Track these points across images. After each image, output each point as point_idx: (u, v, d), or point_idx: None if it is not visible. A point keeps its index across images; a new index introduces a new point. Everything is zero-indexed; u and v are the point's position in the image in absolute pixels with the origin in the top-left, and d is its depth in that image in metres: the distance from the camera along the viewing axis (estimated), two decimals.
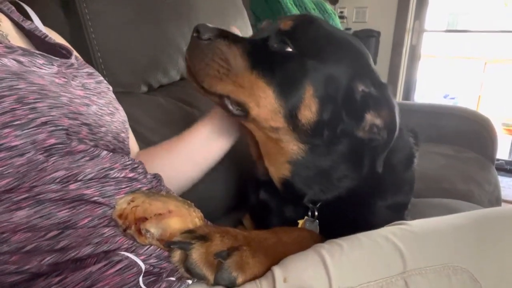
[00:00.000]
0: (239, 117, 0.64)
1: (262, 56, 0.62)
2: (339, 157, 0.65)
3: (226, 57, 0.60)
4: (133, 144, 0.80)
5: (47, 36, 0.67)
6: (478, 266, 0.46)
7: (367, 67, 0.65)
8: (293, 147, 0.64)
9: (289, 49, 0.61)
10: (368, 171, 0.65)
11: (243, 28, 1.45)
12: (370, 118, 0.62)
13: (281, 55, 0.62)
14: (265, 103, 0.60)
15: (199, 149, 0.76)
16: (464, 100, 4.17)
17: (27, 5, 0.71)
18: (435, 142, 1.58)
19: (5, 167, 0.44)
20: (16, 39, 0.62)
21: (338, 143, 0.64)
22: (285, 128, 0.62)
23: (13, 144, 0.44)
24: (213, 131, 0.75)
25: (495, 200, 1.34)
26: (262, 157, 0.69)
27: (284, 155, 0.65)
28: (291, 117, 0.61)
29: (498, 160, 2.40)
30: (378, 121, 0.62)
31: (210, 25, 0.61)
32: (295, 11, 1.97)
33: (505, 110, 3.94)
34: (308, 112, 0.61)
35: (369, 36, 3.04)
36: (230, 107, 0.62)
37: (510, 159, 3.27)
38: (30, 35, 0.66)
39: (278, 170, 0.67)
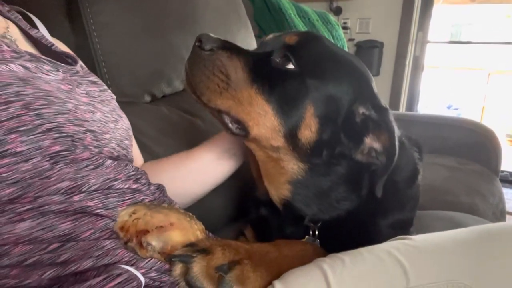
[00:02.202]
0: (240, 136, 0.63)
1: (264, 72, 0.61)
2: (339, 178, 0.64)
3: (226, 70, 0.59)
4: (137, 153, 0.80)
5: (53, 45, 0.68)
6: (481, 282, 0.46)
7: (369, 89, 0.64)
8: (293, 166, 0.63)
9: (292, 66, 0.60)
10: (368, 192, 0.64)
11: (247, 39, 1.46)
12: (369, 141, 0.61)
13: (283, 72, 0.61)
14: (264, 121, 0.59)
15: (209, 168, 0.76)
16: (468, 111, 4.16)
17: (33, 16, 0.72)
18: (438, 153, 1.57)
19: (10, 172, 0.44)
20: (24, 45, 0.63)
21: (337, 164, 0.63)
22: (285, 147, 0.61)
23: (18, 149, 0.44)
24: (223, 150, 0.75)
25: (500, 212, 1.32)
26: (262, 177, 0.68)
27: (284, 175, 0.64)
28: (291, 136, 0.60)
29: (502, 172, 2.38)
30: (377, 145, 0.61)
31: (213, 35, 0.60)
32: (298, 22, 1.98)
33: (509, 121, 3.93)
34: (308, 131, 0.60)
35: (373, 47, 3.04)
36: (230, 125, 0.61)
37: None
38: (36, 43, 0.66)
39: (278, 191, 0.66)
